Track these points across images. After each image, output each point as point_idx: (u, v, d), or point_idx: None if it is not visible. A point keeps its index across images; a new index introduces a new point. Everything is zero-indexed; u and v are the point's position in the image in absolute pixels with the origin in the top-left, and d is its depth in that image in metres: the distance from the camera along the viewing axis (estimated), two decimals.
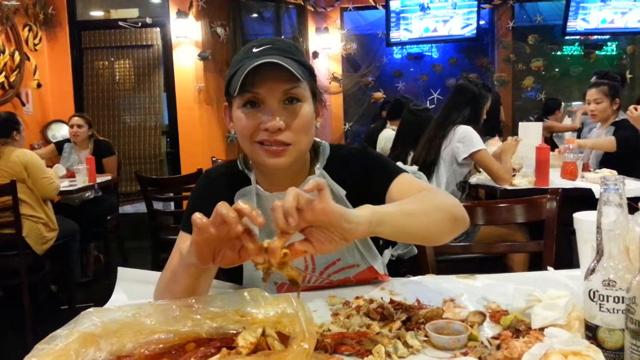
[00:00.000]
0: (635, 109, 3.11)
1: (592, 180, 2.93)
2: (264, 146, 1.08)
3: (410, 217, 0.99)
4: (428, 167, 3.03)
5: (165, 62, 6.00)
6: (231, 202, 1.19)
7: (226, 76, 1.12)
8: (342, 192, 1.19)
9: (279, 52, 1.07)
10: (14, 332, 3.22)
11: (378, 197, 1.15)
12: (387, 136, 4.45)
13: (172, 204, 4.48)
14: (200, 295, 0.95)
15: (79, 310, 0.80)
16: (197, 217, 0.83)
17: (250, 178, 1.21)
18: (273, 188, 1.20)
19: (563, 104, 6.15)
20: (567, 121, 5.91)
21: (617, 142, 3.41)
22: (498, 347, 0.81)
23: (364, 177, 1.20)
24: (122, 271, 1.21)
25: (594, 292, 0.75)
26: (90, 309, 0.78)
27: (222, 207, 0.81)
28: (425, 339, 0.89)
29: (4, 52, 4.88)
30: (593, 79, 4.59)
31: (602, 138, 3.64)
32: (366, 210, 0.89)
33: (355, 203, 1.19)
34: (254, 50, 1.08)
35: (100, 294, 0.89)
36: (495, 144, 3.81)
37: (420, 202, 1.05)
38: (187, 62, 5.89)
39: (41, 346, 0.72)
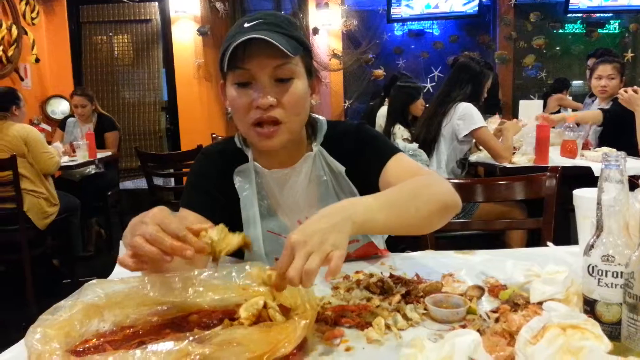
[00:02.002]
0: (626, 91, 3.08)
1: (592, 158, 2.93)
2: (257, 128, 1.08)
3: (397, 213, 0.96)
4: (428, 145, 3.03)
5: (164, 37, 5.94)
6: (230, 180, 1.20)
7: (220, 52, 1.11)
8: (342, 169, 1.20)
9: (270, 27, 1.05)
10: (17, 305, 3.26)
11: (373, 176, 1.15)
12: (384, 114, 4.46)
13: (172, 179, 4.49)
14: (198, 266, 0.97)
15: (81, 284, 0.80)
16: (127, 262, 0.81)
17: (247, 155, 1.21)
18: (271, 165, 1.20)
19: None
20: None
21: (604, 114, 3.36)
22: (496, 320, 0.82)
23: (360, 154, 1.19)
24: (123, 245, 1.21)
25: (593, 267, 0.76)
26: (94, 281, 0.78)
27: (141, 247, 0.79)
28: (425, 312, 0.90)
29: (1, 26, 4.82)
30: (590, 61, 4.52)
31: (589, 111, 3.60)
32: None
33: (354, 179, 1.19)
34: (245, 25, 1.06)
35: (102, 268, 0.90)
36: (495, 121, 3.80)
37: (408, 195, 1.01)
38: (186, 37, 5.83)
39: (45, 317, 0.72)
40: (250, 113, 1.07)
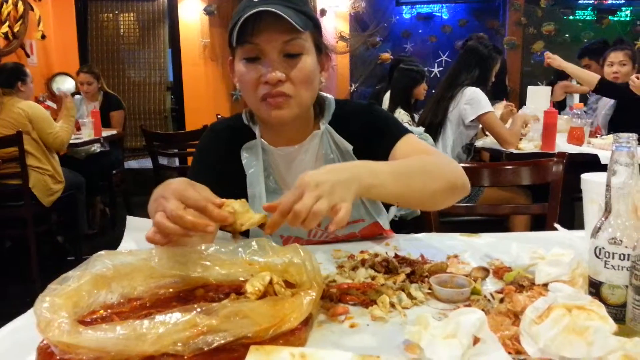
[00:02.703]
0: (638, 78, 3.07)
1: (599, 146, 2.92)
2: (266, 100, 1.07)
3: (405, 183, 0.97)
4: (434, 129, 3.02)
5: (170, 16, 5.90)
6: (237, 156, 1.20)
7: (228, 28, 1.10)
8: (349, 147, 1.19)
9: (280, 2, 1.03)
10: (22, 280, 3.29)
11: (381, 156, 1.14)
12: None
13: (177, 159, 4.50)
14: (205, 241, 0.97)
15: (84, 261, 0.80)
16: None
17: (255, 132, 1.21)
18: (278, 142, 1.20)
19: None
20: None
21: (599, 82, 3.36)
22: (501, 300, 0.83)
23: (369, 133, 1.19)
24: (130, 220, 1.22)
25: (599, 249, 0.76)
26: (102, 252, 0.79)
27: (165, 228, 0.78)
28: (429, 291, 0.90)
29: (7, 2, 4.79)
30: (617, 56, 4.47)
31: (586, 71, 3.60)
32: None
33: (362, 159, 1.19)
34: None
35: (106, 246, 0.90)
36: (501, 107, 3.77)
37: (418, 168, 1.03)
38: (193, 16, 5.78)
39: (54, 286, 0.73)
40: (259, 88, 1.06)
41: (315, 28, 1.11)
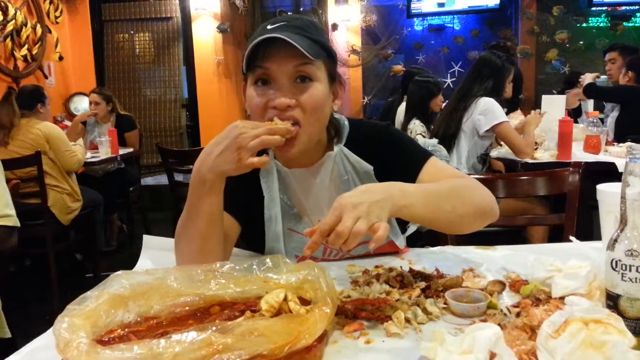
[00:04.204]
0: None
1: (616, 154, 2.88)
2: None
3: (435, 205, 1.00)
4: (449, 140, 3.01)
5: (185, 34, 6.00)
6: (251, 177, 1.20)
7: (243, 55, 1.10)
8: (369, 168, 1.18)
9: (292, 30, 1.03)
10: (42, 298, 3.33)
11: (406, 179, 1.13)
12: (403, 110, 4.44)
13: None
14: (221, 257, 1.01)
15: (103, 278, 0.82)
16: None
17: (268, 153, 1.21)
18: (292, 164, 1.20)
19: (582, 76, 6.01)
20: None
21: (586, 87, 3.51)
22: (518, 314, 0.82)
23: (392, 157, 1.18)
24: (147, 239, 1.24)
25: (616, 262, 0.75)
26: (119, 272, 0.80)
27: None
28: (445, 306, 0.90)
29: (26, 25, 4.91)
30: (611, 54, 4.49)
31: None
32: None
33: (382, 179, 1.18)
34: (268, 27, 1.06)
35: (124, 263, 0.92)
36: (517, 117, 3.75)
37: (448, 191, 1.04)
38: (206, 34, 5.87)
39: (72, 307, 0.74)
40: (267, 112, 1.05)
41: (329, 58, 1.10)
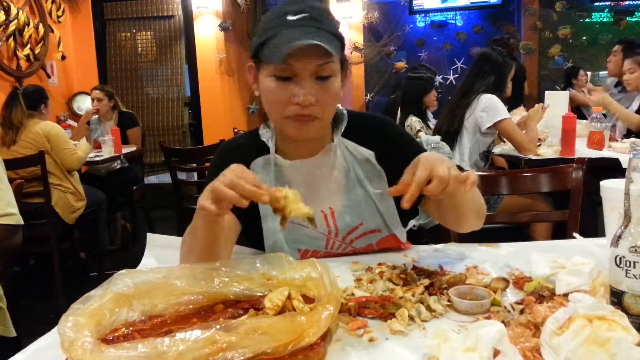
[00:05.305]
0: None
1: (619, 149, 2.87)
2: (294, 119, 1.09)
3: (469, 195, 1.09)
4: (451, 137, 3.00)
5: (187, 33, 5.99)
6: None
7: (256, 37, 1.10)
8: (370, 154, 1.21)
9: (315, 24, 1.05)
10: (46, 297, 3.34)
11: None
12: None
13: (196, 174, 4.55)
14: (223, 257, 1.00)
15: (107, 277, 0.82)
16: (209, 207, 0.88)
17: (269, 147, 1.22)
18: (293, 156, 1.21)
19: (582, 70, 6.00)
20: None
21: None
22: (521, 311, 0.82)
23: (393, 148, 1.21)
24: (151, 237, 1.24)
25: (620, 258, 0.75)
26: (123, 271, 0.80)
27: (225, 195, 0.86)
28: (448, 303, 0.90)
29: (28, 25, 4.92)
30: (616, 48, 4.46)
31: (632, 114, 3.56)
32: None
33: (385, 165, 1.21)
34: (290, 18, 1.06)
35: (128, 262, 0.93)
36: (519, 113, 3.74)
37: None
38: (208, 33, 5.87)
39: (77, 306, 0.74)
40: (289, 107, 1.08)
41: (342, 46, 1.13)
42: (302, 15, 1.06)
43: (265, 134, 1.24)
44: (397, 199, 1.20)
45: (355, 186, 1.21)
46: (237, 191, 0.85)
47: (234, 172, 0.90)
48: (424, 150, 1.19)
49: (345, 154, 1.21)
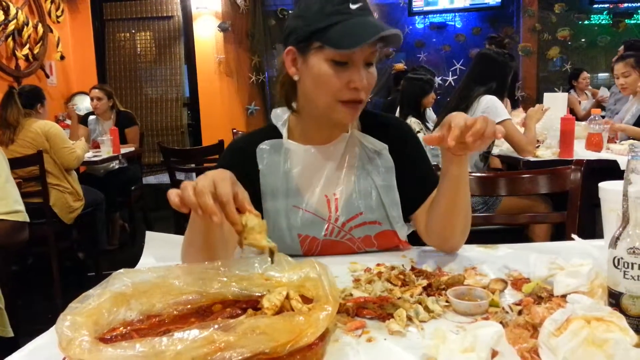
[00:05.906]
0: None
1: (618, 151, 2.87)
2: (346, 104, 1.12)
3: (464, 194, 1.13)
4: None
5: (186, 33, 5.99)
6: (255, 173, 1.21)
7: (301, 21, 1.12)
8: (383, 146, 1.24)
9: (371, 14, 1.10)
10: (44, 296, 3.34)
11: (411, 176, 1.25)
12: None
13: (194, 174, 4.54)
14: (223, 252, 0.99)
15: (105, 277, 0.82)
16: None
17: (282, 134, 1.24)
18: (308, 141, 1.23)
19: (584, 73, 6.01)
20: (586, 103, 5.76)
21: None
22: (519, 312, 0.82)
23: (407, 150, 1.27)
24: (149, 235, 1.24)
25: (618, 260, 0.75)
26: (121, 270, 0.80)
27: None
28: (446, 304, 0.90)
29: (27, 25, 4.92)
30: (621, 48, 4.46)
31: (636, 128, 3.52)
32: None
33: (396, 160, 1.24)
34: (352, 6, 1.09)
35: (126, 262, 0.93)
36: (518, 115, 3.75)
37: (468, 200, 1.16)
38: (207, 33, 5.87)
39: (74, 305, 0.74)
40: (344, 91, 1.10)
41: None
42: (360, 4, 1.10)
43: (281, 116, 1.25)
44: (402, 195, 1.22)
45: (363, 176, 1.24)
46: (197, 199, 0.81)
47: (215, 176, 0.85)
48: (433, 170, 1.28)
49: (357, 145, 1.25)
